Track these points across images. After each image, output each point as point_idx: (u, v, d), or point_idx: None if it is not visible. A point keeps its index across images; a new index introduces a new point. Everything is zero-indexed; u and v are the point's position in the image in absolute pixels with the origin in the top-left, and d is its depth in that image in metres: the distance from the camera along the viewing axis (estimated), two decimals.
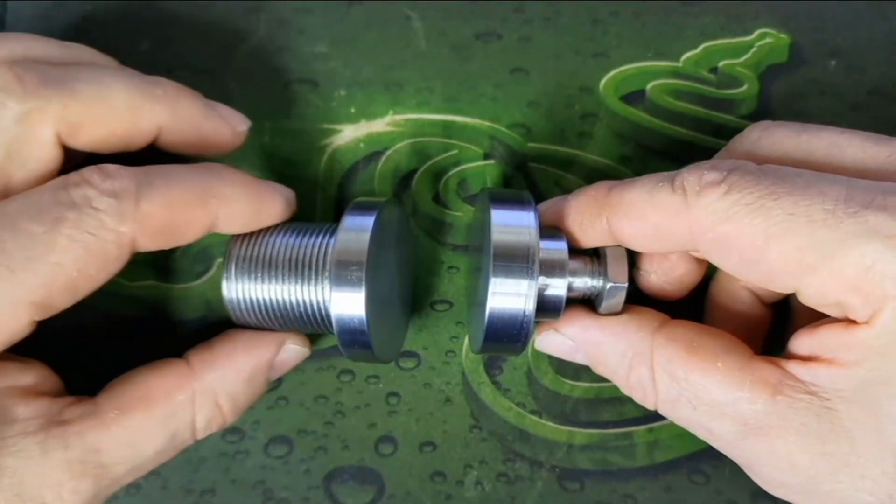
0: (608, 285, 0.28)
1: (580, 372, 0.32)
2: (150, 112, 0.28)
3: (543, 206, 0.30)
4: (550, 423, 0.32)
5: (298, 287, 0.28)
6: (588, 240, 0.28)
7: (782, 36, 0.35)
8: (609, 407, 0.32)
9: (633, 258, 0.29)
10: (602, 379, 0.30)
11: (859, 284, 0.23)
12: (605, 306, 0.28)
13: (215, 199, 0.27)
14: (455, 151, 0.34)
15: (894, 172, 0.25)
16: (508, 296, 0.26)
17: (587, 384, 0.32)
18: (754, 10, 0.35)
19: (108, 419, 0.26)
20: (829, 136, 0.26)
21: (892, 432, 0.23)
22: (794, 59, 0.34)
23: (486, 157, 0.33)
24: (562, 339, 0.29)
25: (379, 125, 0.34)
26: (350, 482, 0.31)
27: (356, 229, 0.27)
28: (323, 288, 0.28)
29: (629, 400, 0.28)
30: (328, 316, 0.28)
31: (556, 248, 0.28)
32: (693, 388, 0.25)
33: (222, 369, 0.28)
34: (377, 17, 0.34)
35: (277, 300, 0.28)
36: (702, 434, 0.26)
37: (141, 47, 0.34)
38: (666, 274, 0.29)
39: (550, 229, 0.29)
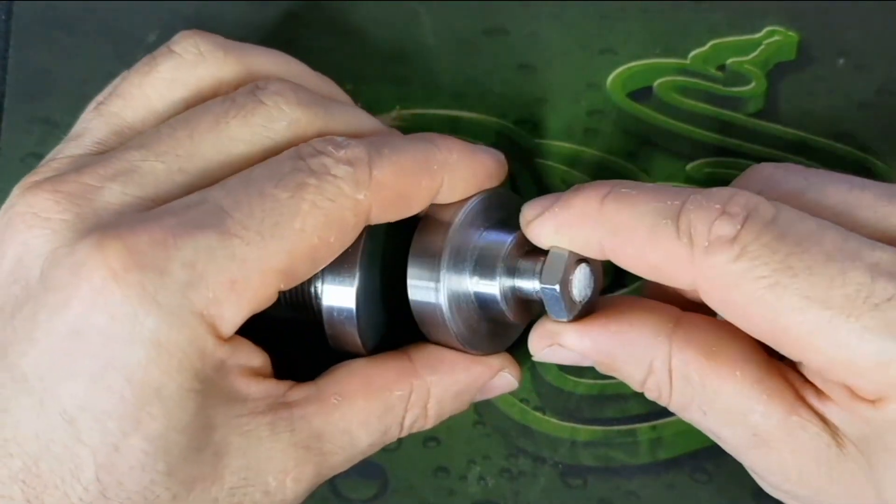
0: (539, 287, 0.26)
1: (584, 369, 0.32)
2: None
3: (530, 211, 0.27)
4: (554, 420, 0.32)
5: None
6: (582, 253, 0.26)
7: (790, 34, 0.35)
8: (612, 404, 0.32)
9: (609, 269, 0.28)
10: (606, 375, 0.30)
11: (870, 375, 0.22)
12: (550, 314, 0.26)
13: (438, 167, 0.26)
14: None
15: None
16: (420, 289, 0.27)
17: (591, 381, 0.32)
18: (762, 7, 0.35)
19: (331, 405, 0.25)
20: (836, 194, 0.25)
21: (892, 496, 0.23)
22: (803, 57, 0.34)
23: None
24: (566, 353, 0.27)
25: (385, 120, 0.34)
26: (354, 476, 0.31)
27: None
28: (315, 278, 0.27)
29: (633, 397, 0.28)
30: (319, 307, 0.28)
31: (494, 244, 0.27)
32: (707, 395, 0.25)
33: (442, 374, 0.27)
34: (384, 11, 0.34)
35: None
36: (711, 436, 0.26)
37: (148, 39, 0.34)
38: (670, 298, 0.28)
39: (504, 225, 0.28)
